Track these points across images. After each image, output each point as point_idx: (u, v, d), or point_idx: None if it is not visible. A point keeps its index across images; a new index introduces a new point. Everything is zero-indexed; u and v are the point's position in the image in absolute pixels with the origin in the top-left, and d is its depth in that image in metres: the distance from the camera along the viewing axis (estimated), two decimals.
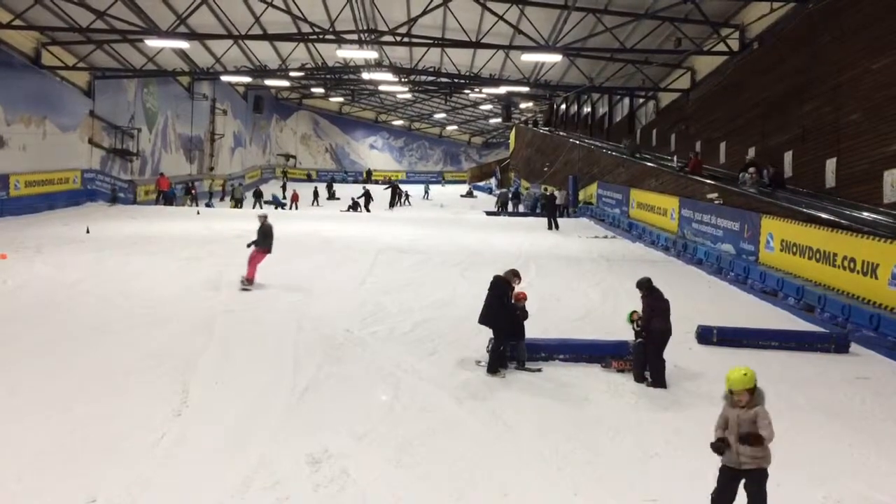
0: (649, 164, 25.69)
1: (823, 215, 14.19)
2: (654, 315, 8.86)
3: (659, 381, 8.66)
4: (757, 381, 5.01)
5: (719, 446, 5.04)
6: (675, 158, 24.51)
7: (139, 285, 13.34)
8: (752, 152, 20.41)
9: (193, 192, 35.49)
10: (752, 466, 4.96)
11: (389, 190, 39.32)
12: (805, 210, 14.87)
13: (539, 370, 9.06)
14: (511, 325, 9.00)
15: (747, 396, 4.98)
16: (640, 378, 8.79)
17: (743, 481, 5.02)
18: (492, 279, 9.24)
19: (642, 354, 8.84)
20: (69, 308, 11.44)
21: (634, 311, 9.09)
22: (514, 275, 9.26)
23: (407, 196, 40.43)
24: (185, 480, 5.80)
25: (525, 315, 9.26)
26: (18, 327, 10.22)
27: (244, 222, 23.73)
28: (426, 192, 46.84)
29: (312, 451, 6.30)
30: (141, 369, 8.47)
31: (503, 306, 8.96)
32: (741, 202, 17.29)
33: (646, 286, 9.08)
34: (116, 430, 6.69)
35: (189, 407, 7.34)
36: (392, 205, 37.72)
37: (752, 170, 19.09)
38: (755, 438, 4.88)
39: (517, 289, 9.30)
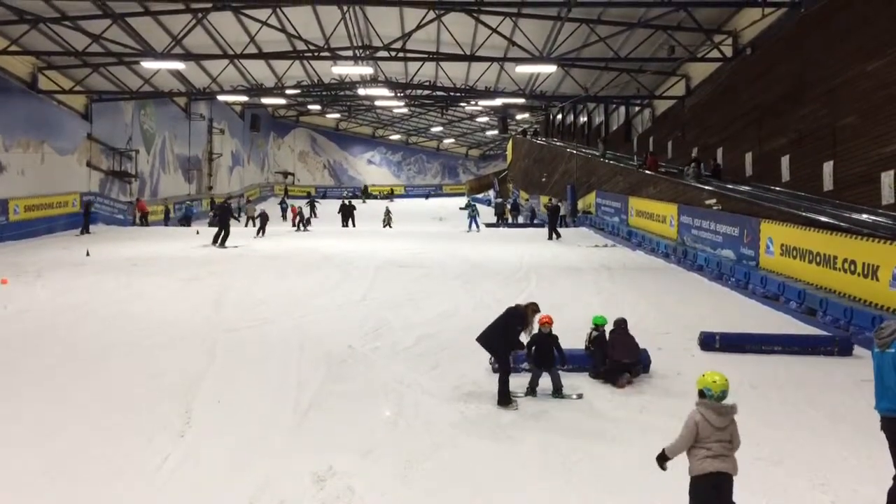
0: (612, 162, 29.24)
1: (822, 218, 14.19)
2: (615, 346, 9.13)
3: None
4: (708, 388, 5.13)
5: None
6: (635, 158, 27.91)
7: (140, 307, 13.34)
8: (695, 152, 23.62)
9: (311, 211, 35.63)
10: None
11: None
12: (804, 213, 14.87)
13: (580, 396, 8.59)
14: (506, 354, 8.40)
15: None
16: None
17: None
18: (509, 307, 8.69)
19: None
20: (71, 332, 11.43)
21: (594, 328, 9.34)
22: (533, 311, 8.48)
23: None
24: (190, 502, 5.78)
25: (522, 345, 8.63)
26: (20, 352, 10.21)
27: (243, 240, 23.81)
28: (472, 219, 29.68)
29: (317, 470, 6.27)
30: (143, 391, 8.46)
31: (504, 336, 8.41)
32: (740, 207, 17.30)
33: (615, 323, 9.44)
34: (120, 453, 6.66)
35: (192, 428, 7.31)
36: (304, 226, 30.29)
37: (693, 165, 22.08)
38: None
39: (542, 312, 8.75)
